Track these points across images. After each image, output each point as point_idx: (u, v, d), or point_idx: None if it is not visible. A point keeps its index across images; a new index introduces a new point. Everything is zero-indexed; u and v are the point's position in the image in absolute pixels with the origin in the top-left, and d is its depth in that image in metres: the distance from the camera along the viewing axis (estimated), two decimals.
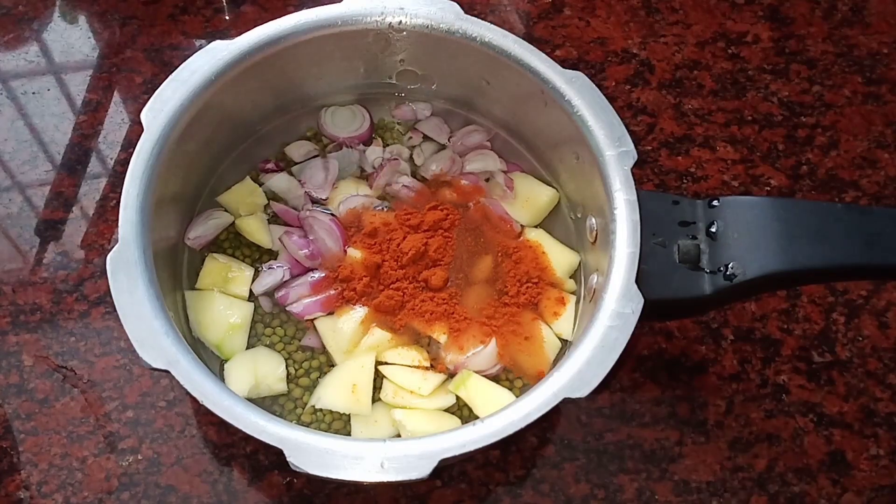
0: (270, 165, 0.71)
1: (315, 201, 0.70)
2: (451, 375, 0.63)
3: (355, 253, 0.66)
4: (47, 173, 0.78)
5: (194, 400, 0.52)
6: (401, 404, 0.62)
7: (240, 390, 0.60)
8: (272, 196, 0.70)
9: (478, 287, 0.66)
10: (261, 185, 0.70)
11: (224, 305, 0.64)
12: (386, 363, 0.63)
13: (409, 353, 0.63)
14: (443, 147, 0.73)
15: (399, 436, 0.61)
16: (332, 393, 0.61)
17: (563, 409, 0.68)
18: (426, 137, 0.73)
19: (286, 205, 0.69)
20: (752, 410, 0.69)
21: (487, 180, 0.71)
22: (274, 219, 0.69)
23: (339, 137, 0.72)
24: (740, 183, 0.80)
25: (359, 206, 0.69)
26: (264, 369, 0.62)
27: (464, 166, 0.71)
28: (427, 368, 0.63)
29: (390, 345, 0.63)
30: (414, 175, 0.71)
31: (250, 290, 0.66)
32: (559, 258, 0.67)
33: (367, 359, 0.62)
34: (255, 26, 0.63)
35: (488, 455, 0.66)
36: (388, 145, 0.73)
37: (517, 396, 0.54)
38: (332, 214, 0.68)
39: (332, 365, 0.64)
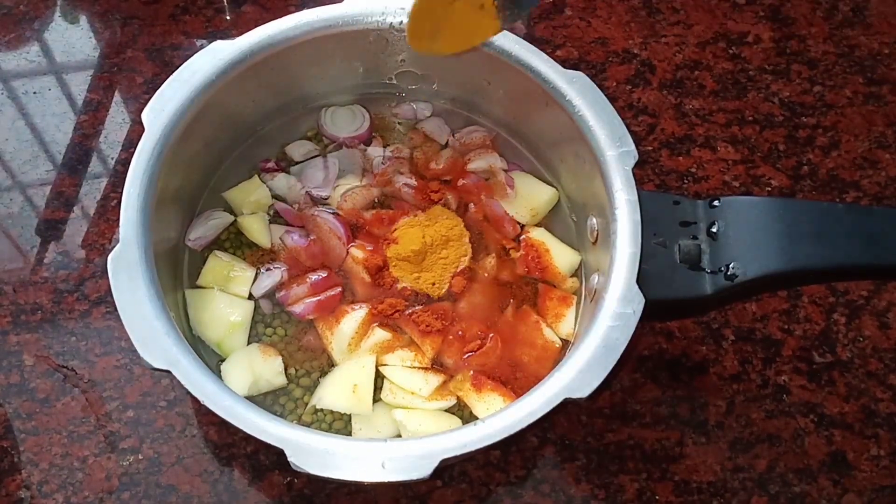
0: (271, 164, 0.71)
1: (316, 201, 0.70)
2: (452, 376, 0.63)
3: (358, 253, 0.66)
4: (48, 173, 0.78)
5: (195, 400, 0.52)
6: (402, 404, 0.62)
7: (240, 389, 0.60)
8: (273, 196, 0.70)
9: (479, 286, 0.66)
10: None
11: (224, 304, 0.64)
12: (387, 364, 0.63)
13: (409, 353, 0.63)
14: (444, 146, 0.73)
15: (400, 436, 0.61)
16: (333, 393, 0.61)
17: (563, 410, 0.67)
18: (427, 137, 0.73)
19: (287, 204, 0.69)
20: (752, 411, 0.69)
21: (487, 179, 0.71)
22: (275, 219, 0.69)
23: (339, 137, 0.72)
24: (741, 183, 0.80)
25: (360, 206, 0.69)
26: (261, 365, 0.62)
27: (466, 165, 0.71)
28: (427, 369, 0.63)
29: (391, 345, 0.63)
30: (415, 174, 0.71)
31: (250, 292, 0.66)
32: (561, 257, 0.67)
33: (368, 359, 0.62)
34: (256, 26, 0.63)
35: (489, 455, 0.66)
36: (388, 145, 0.73)
37: (518, 397, 0.54)
38: (336, 213, 0.68)
39: (332, 365, 0.64)
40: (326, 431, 0.59)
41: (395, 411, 0.61)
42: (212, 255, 0.66)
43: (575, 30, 0.89)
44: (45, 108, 0.82)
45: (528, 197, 0.70)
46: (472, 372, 0.62)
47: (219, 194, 0.69)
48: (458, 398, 0.62)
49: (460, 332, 0.64)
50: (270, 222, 0.69)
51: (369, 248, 0.66)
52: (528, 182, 0.71)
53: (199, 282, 0.65)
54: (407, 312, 0.64)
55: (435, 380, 0.62)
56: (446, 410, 0.62)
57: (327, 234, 0.67)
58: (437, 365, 0.64)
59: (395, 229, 0.67)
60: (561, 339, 0.65)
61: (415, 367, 0.63)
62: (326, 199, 0.70)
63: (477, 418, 0.59)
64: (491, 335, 0.64)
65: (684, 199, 0.61)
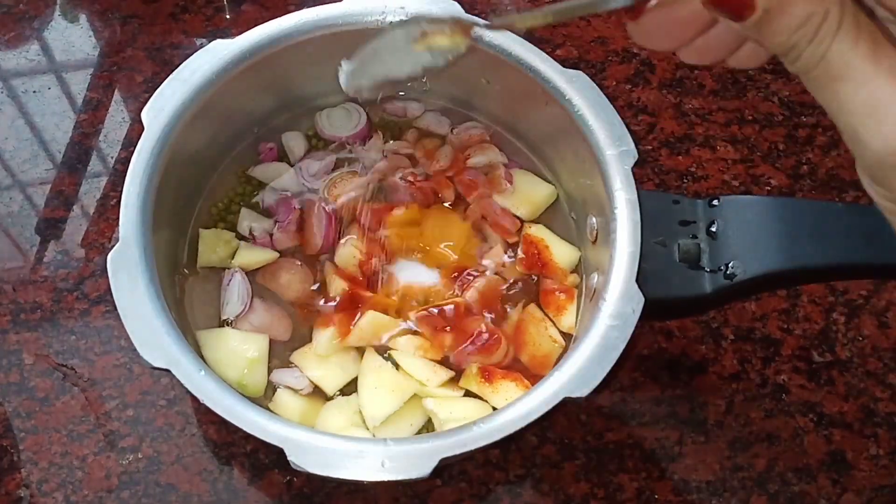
0: (270, 145, 0.71)
1: (310, 190, 0.70)
2: (458, 372, 0.63)
3: (354, 251, 0.66)
4: (48, 172, 0.78)
5: (194, 399, 0.52)
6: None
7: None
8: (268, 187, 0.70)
9: (481, 281, 0.66)
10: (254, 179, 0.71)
11: (238, 340, 0.62)
12: (397, 349, 0.63)
13: (418, 340, 0.63)
14: (443, 142, 0.73)
15: (430, 422, 0.61)
16: (377, 405, 0.60)
17: (563, 409, 0.68)
18: (425, 133, 0.73)
19: (278, 193, 0.69)
20: (751, 410, 0.69)
21: (486, 174, 0.71)
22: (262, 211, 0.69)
23: (341, 137, 0.72)
24: (741, 182, 0.80)
25: (354, 201, 0.69)
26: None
27: (466, 161, 0.71)
28: (436, 362, 0.63)
29: (398, 332, 0.63)
30: (416, 173, 0.71)
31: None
32: (561, 253, 0.67)
33: (370, 358, 0.62)
34: (255, 25, 0.63)
35: (488, 454, 0.66)
36: (388, 141, 0.73)
37: (532, 384, 0.54)
38: (331, 207, 0.68)
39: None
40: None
41: (425, 400, 0.61)
42: (200, 236, 0.66)
43: (574, 29, 0.89)
44: (44, 106, 0.82)
45: (527, 193, 0.70)
46: (477, 366, 0.62)
47: (217, 192, 0.69)
48: (470, 393, 0.62)
49: (464, 327, 0.64)
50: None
51: (361, 247, 0.66)
52: (527, 179, 0.71)
53: (201, 262, 0.65)
54: (420, 314, 0.64)
55: (444, 373, 0.62)
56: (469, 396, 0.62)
57: (313, 221, 0.67)
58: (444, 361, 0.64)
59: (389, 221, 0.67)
60: (563, 332, 0.65)
61: (425, 358, 0.63)
62: (317, 189, 0.69)
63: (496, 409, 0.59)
64: (495, 335, 0.64)
65: (684, 199, 0.61)
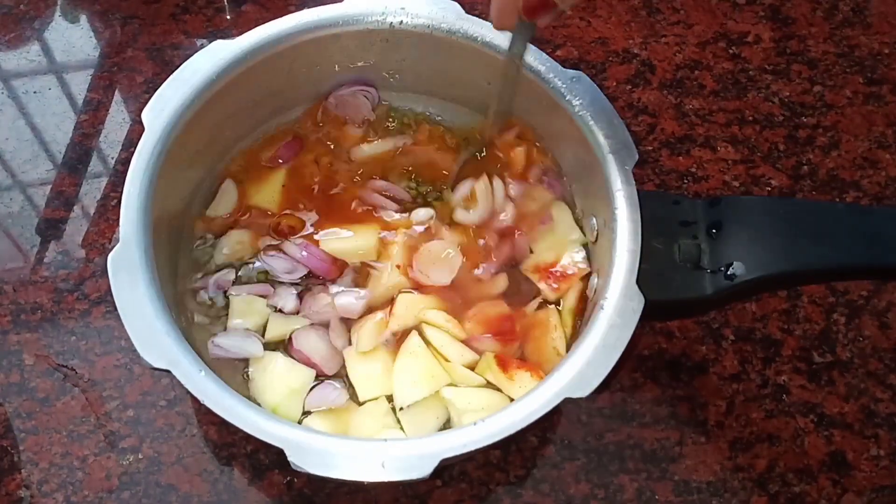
0: (282, 150, 0.71)
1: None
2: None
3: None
4: (48, 172, 0.78)
5: (195, 399, 0.52)
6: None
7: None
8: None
9: (495, 278, 0.67)
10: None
11: (286, 369, 0.61)
12: (430, 322, 0.63)
13: (446, 314, 0.64)
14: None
15: (448, 416, 0.61)
16: (409, 388, 0.61)
17: (563, 409, 0.68)
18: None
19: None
20: (752, 411, 0.69)
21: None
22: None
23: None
24: (741, 183, 0.80)
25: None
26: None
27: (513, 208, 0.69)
28: (464, 342, 0.63)
29: (432, 305, 0.64)
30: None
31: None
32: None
33: (410, 341, 0.63)
34: (256, 26, 0.64)
35: (489, 455, 0.66)
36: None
37: (546, 375, 0.54)
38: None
39: None
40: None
41: (444, 389, 0.61)
42: (230, 302, 0.64)
43: (575, 29, 0.89)
44: (45, 107, 0.82)
45: (558, 239, 0.68)
46: (493, 354, 0.62)
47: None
48: (487, 382, 0.62)
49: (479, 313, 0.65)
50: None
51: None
52: (565, 218, 0.68)
53: (231, 326, 0.64)
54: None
55: (468, 354, 0.62)
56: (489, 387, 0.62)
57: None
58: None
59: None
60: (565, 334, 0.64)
61: (453, 335, 0.63)
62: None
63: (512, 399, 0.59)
64: (513, 323, 0.64)
65: (684, 199, 0.61)
